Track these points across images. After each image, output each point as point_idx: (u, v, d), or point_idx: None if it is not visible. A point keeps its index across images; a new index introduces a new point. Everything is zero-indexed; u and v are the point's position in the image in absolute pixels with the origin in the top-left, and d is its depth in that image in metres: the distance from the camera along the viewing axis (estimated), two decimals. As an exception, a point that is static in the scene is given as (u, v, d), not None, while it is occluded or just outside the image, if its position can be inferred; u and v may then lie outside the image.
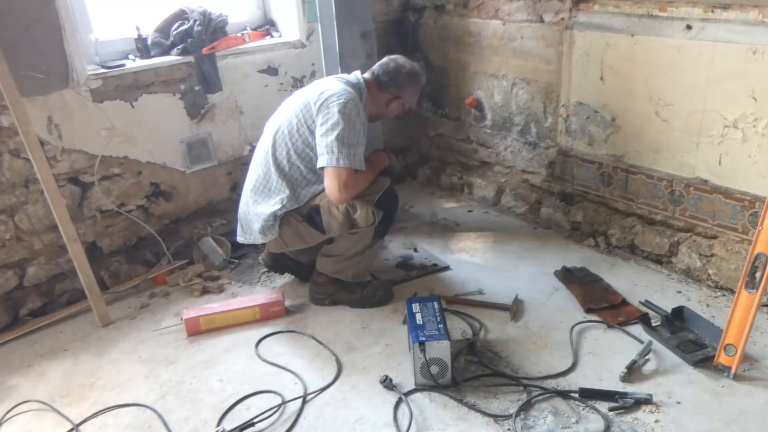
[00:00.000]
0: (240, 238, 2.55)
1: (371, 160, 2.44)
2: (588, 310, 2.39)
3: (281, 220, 2.38)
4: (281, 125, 2.37)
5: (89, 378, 2.19)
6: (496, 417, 1.89)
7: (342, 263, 2.45)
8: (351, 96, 2.28)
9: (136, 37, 2.74)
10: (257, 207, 2.41)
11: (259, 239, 2.47)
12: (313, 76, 3.18)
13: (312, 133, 2.29)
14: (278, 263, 2.68)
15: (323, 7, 2.85)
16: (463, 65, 3.35)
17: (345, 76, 2.45)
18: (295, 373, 2.14)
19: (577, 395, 1.95)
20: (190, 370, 2.20)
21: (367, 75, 2.46)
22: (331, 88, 2.30)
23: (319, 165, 2.25)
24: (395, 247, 3.00)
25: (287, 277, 2.78)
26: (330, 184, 2.23)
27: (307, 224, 2.39)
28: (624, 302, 2.42)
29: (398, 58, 2.50)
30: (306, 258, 2.65)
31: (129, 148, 2.72)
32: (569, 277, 2.61)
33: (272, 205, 2.36)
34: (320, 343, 2.31)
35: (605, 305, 2.40)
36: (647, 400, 1.91)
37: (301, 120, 2.31)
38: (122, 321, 2.52)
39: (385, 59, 2.50)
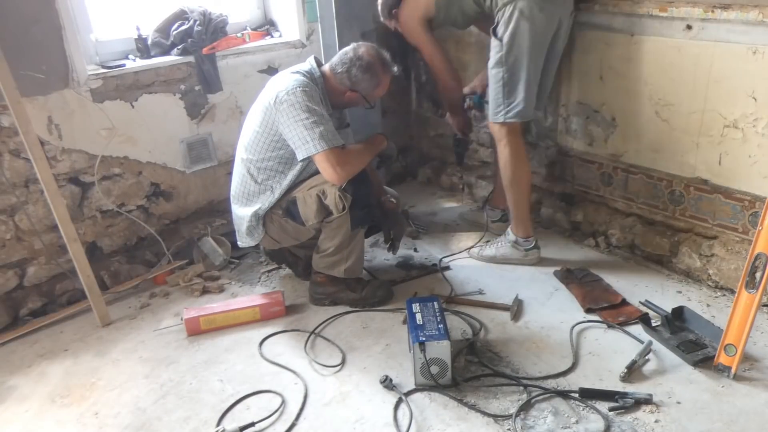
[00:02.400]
0: (239, 242, 2.58)
1: (371, 141, 2.46)
2: (588, 310, 2.39)
3: (264, 218, 2.43)
4: (250, 135, 2.40)
5: (89, 378, 2.19)
6: (496, 417, 1.89)
7: (331, 258, 2.45)
8: (299, 82, 2.27)
9: (136, 37, 2.74)
10: (240, 210, 2.48)
11: (249, 241, 2.52)
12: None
13: (278, 133, 2.31)
14: (277, 253, 2.69)
15: (323, 7, 2.86)
16: (463, 65, 3.34)
17: (297, 65, 2.42)
18: (295, 373, 2.14)
19: (577, 395, 1.95)
20: (191, 370, 2.20)
21: (326, 65, 2.43)
22: (280, 85, 2.29)
23: (300, 157, 2.27)
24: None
25: (287, 277, 2.78)
26: (324, 170, 2.26)
27: (287, 219, 2.41)
28: (624, 302, 2.42)
29: (359, 48, 2.39)
30: (302, 252, 2.66)
31: (129, 148, 2.72)
32: (569, 277, 2.61)
33: (252, 206, 2.42)
34: (326, 339, 2.32)
35: (605, 305, 2.40)
36: (647, 400, 1.91)
37: (264, 126, 2.33)
38: (122, 321, 2.52)
39: (347, 47, 2.41)
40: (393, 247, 2.67)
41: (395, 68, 2.45)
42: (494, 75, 2.56)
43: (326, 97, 2.39)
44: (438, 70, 2.79)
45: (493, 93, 2.59)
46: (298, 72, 2.35)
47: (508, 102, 2.55)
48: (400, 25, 2.74)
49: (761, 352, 2.12)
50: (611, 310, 2.38)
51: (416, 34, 2.70)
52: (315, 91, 2.30)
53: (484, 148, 3.42)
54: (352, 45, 2.41)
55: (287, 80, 2.29)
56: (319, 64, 2.43)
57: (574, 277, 2.60)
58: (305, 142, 2.23)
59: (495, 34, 2.50)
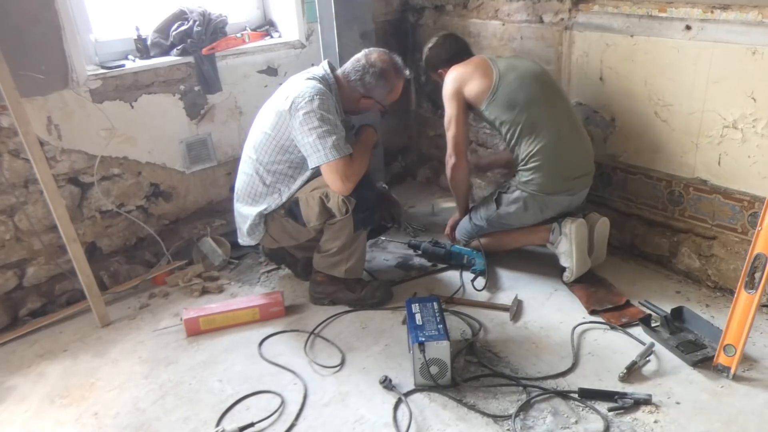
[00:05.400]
0: (240, 240, 2.59)
1: (362, 138, 2.45)
2: (592, 312, 2.39)
3: (266, 217, 2.43)
4: (260, 136, 2.39)
5: (89, 378, 2.19)
6: (495, 417, 1.89)
7: (332, 258, 2.45)
8: (314, 90, 2.26)
9: (136, 37, 2.74)
10: (244, 209, 2.48)
11: (249, 240, 2.52)
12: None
13: (290, 138, 2.31)
14: (276, 253, 2.69)
15: (323, 7, 2.85)
16: (462, 65, 3.35)
17: (312, 70, 2.42)
18: (295, 373, 2.14)
19: (576, 395, 1.95)
20: (190, 370, 2.20)
21: (339, 71, 2.43)
22: (295, 89, 2.29)
23: (311, 165, 2.29)
24: (395, 247, 3.00)
25: (287, 277, 2.78)
26: (332, 181, 2.26)
27: (289, 219, 2.42)
28: (628, 303, 2.42)
29: (371, 54, 2.40)
30: (301, 254, 2.66)
31: (128, 149, 2.72)
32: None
33: (258, 207, 2.43)
34: (326, 339, 2.32)
35: (609, 306, 2.40)
36: (646, 401, 1.91)
37: (276, 129, 2.33)
38: (122, 321, 2.52)
39: (359, 53, 2.42)
40: (398, 222, 2.76)
41: (407, 72, 2.49)
42: (476, 214, 2.75)
43: (339, 103, 2.39)
44: (455, 149, 2.66)
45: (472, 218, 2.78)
46: (313, 78, 2.34)
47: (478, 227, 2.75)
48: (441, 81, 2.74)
49: (760, 353, 2.12)
50: (614, 311, 2.38)
51: (449, 103, 2.64)
52: (330, 98, 2.30)
53: (483, 149, 3.43)
54: (364, 51, 2.42)
55: (303, 86, 2.29)
56: (333, 69, 2.43)
57: (577, 278, 2.59)
58: (317, 150, 2.23)
59: (497, 202, 2.65)
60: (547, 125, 2.50)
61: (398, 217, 2.74)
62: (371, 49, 2.45)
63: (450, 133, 2.66)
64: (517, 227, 2.69)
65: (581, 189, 2.62)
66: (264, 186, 2.41)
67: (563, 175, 2.53)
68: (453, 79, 2.63)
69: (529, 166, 2.53)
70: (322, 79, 2.36)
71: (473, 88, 2.57)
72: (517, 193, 2.58)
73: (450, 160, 2.70)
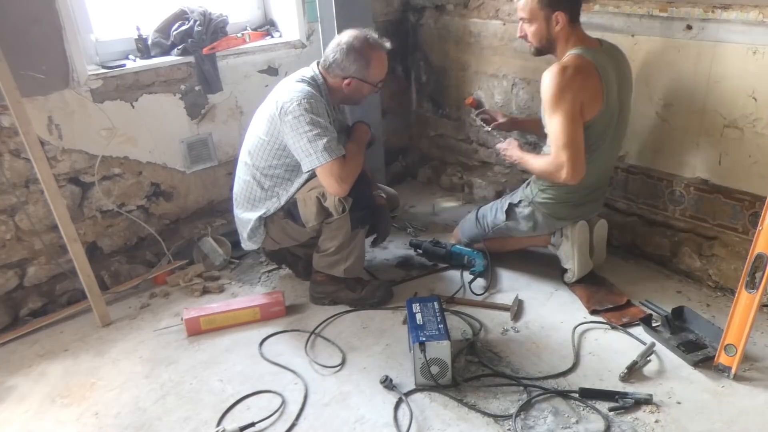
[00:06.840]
0: (242, 246, 2.60)
1: (354, 136, 2.44)
2: (593, 312, 2.39)
3: (266, 220, 2.44)
4: (254, 141, 2.39)
5: (89, 378, 2.19)
6: (496, 417, 1.89)
7: (331, 257, 2.45)
8: (302, 93, 2.25)
9: (137, 37, 2.74)
10: (243, 215, 2.48)
11: (250, 245, 2.52)
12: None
13: (283, 142, 2.31)
14: (277, 253, 2.69)
15: (323, 7, 2.86)
16: (463, 65, 3.35)
17: (301, 71, 2.40)
18: (296, 373, 2.14)
19: (577, 395, 1.95)
20: (191, 370, 2.20)
21: (321, 64, 2.41)
22: (284, 94, 2.28)
23: (305, 169, 2.28)
24: (395, 247, 3.00)
25: (287, 277, 2.78)
26: (327, 183, 2.26)
27: (288, 220, 2.42)
28: (629, 303, 2.42)
29: (343, 35, 2.34)
30: (302, 251, 2.67)
31: (129, 149, 2.72)
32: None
33: (257, 211, 2.43)
34: (326, 339, 2.32)
35: (610, 306, 2.40)
36: (647, 400, 1.91)
37: (270, 134, 2.33)
38: (122, 321, 2.52)
39: (332, 40, 2.38)
40: (375, 243, 2.71)
41: (387, 44, 2.38)
42: (483, 218, 2.72)
43: (330, 102, 2.37)
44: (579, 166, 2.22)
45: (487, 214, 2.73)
46: (302, 80, 2.33)
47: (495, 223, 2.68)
48: None
49: (761, 352, 2.12)
50: (615, 311, 2.37)
51: (570, 114, 2.18)
52: (319, 99, 2.28)
53: (484, 149, 3.43)
54: (337, 36, 2.38)
55: (291, 90, 2.28)
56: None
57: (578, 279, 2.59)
58: (308, 154, 2.23)
59: (508, 214, 2.59)
60: (600, 163, 2.37)
61: (382, 236, 2.66)
62: (343, 32, 2.39)
63: (569, 152, 2.19)
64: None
65: (592, 213, 2.58)
66: (262, 191, 2.41)
67: (577, 203, 2.49)
68: (580, 87, 2.17)
69: (546, 186, 2.46)
70: (312, 80, 2.35)
71: (591, 110, 2.22)
72: (528, 211, 2.53)
73: (564, 173, 2.21)
